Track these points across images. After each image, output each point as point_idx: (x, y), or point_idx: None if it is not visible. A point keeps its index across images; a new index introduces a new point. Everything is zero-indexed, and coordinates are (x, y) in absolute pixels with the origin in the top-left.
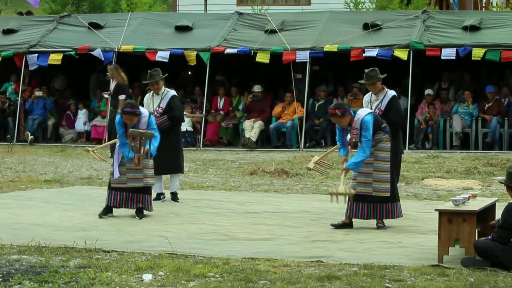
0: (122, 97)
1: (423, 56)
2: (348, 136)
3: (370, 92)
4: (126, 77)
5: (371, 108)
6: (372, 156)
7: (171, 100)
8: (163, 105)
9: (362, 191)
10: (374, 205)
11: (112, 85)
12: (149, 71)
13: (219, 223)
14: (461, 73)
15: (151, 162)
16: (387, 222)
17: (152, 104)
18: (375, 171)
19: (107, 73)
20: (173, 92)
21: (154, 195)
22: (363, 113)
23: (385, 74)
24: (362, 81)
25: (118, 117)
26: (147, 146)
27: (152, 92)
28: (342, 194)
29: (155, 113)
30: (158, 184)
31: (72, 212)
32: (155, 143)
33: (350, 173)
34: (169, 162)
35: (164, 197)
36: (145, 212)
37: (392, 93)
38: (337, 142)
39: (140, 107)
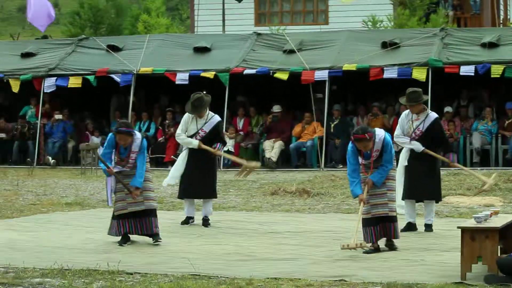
0: None
1: (442, 74)
2: (360, 160)
3: (408, 110)
4: None
5: (411, 128)
6: None
7: (218, 126)
8: (207, 129)
9: (378, 213)
10: (385, 224)
11: None
12: (191, 102)
13: (241, 243)
14: (480, 90)
15: (151, 184)
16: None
17: (195, 125)
18: (389, 190)
19: None
20: (218, 118)
21: (183, 218)
22: (382, 133)
23: (428, 96)
24: (403, 102)
25: (110, 136)
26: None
27: None
28: (354, 248)
29: (198, 136)
30: (191, 208)
31: (94, 235)
32: (141, 174)
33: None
34: (203, 186)
35: (193, 221)
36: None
37: (434, 115)
38: (351, 177)
39: (136, 131)
